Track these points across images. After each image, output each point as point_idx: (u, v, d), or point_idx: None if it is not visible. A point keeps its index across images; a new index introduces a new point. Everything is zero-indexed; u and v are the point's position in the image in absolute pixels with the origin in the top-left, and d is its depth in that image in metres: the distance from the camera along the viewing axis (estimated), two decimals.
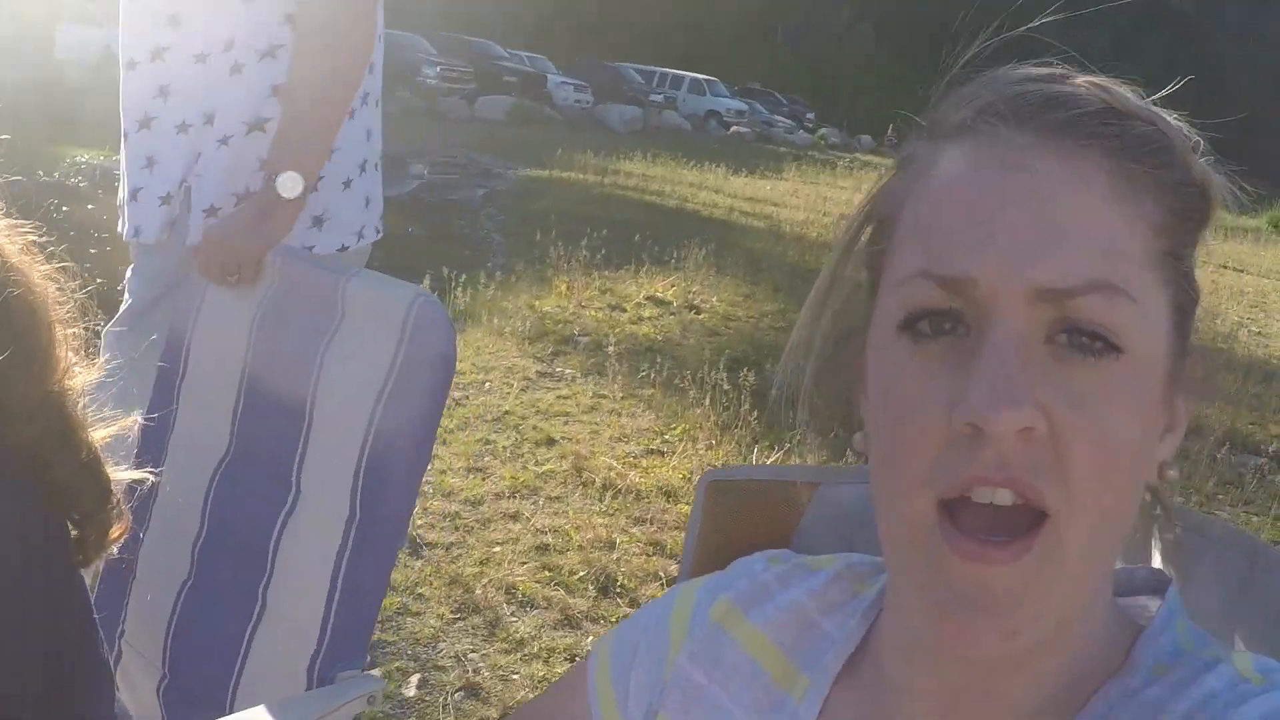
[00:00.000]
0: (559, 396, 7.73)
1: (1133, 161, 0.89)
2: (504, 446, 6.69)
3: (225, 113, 2.83)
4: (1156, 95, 0.96)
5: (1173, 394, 0.94)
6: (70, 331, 1.89)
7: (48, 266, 1.87)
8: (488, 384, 7.89)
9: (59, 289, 1.87)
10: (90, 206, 14.33)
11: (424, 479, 5.80)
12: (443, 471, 6.18)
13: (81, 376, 1.87)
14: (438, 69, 38.51)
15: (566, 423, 7.19)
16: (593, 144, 28.22)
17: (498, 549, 5.26)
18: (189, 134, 2.85)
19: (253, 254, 2.50)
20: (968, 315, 0.87)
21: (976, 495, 0.85)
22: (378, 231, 3.25)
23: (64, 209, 13.88)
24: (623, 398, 7.73)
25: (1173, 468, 0.99)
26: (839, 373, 1.06)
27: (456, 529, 5.48)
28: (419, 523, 5.48)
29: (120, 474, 1.90)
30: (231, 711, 2.22)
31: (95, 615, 1.91)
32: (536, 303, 10.35)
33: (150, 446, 2.55)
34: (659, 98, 48.87)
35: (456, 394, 7.62)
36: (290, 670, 2.17)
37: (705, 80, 51.69)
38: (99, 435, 1.89)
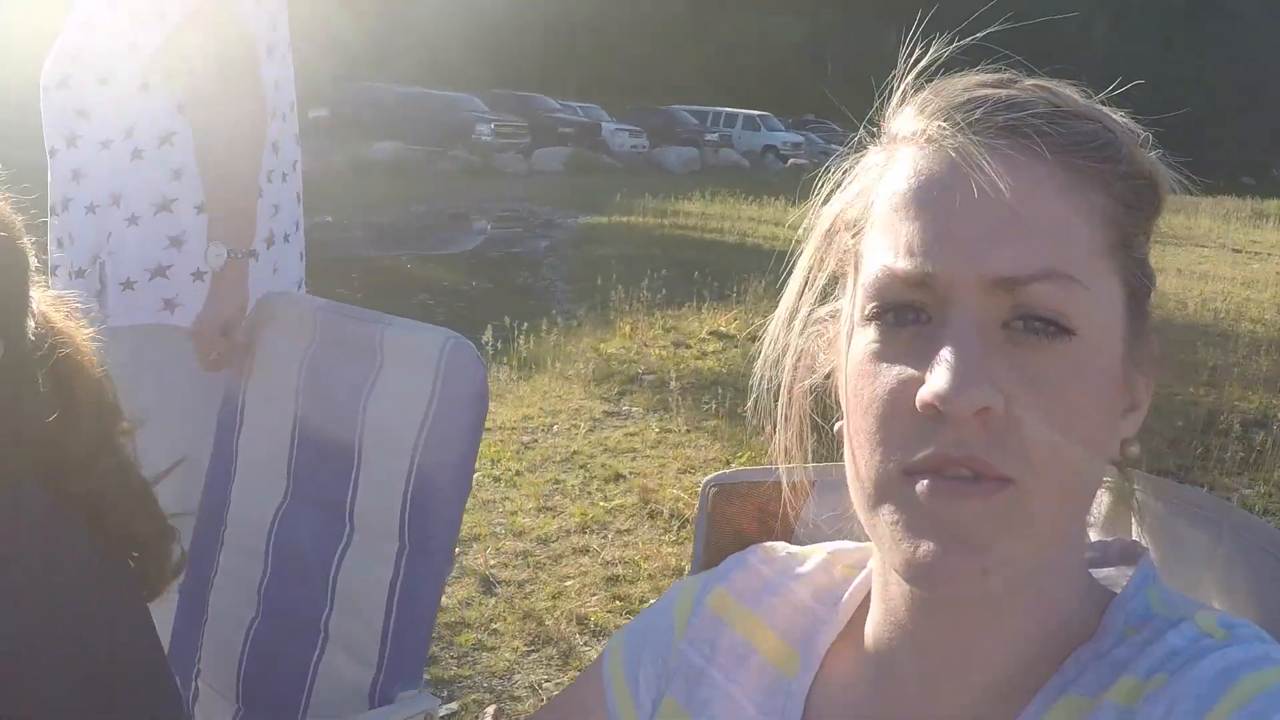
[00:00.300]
0: (626, 434, 7.84)
1: (1079, 157, 0.94)
2: (573, 485, 6.81)
3: (130, 195, 3.12)
4: (1103, 94, 1.01)
5: (1131, 374, 1.00)
6: (113, 386, 2.05)
7: (90, 330, 2.04)
8: (555, 426, 8.02)
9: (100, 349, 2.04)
10: None
11: (496, 520, 6.00)
12: (514, 512, 6.32)
13: (128, 424, 2.02)
14: (491, 125, 38.76)
15: (634, 458, 7.30)
16: (650, 187, 28.39)
17: (569, 582, 5.38)
18: (97, 214, 3.15)
19: (206, 331, 2.79)
20: (930, 307, 0.93)
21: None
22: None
23: None
24: (687, 430, 7.84)
25: (1135, 444, 1.07)
26: (815, 365, 1.14)
27: (529, 566, 5.60)
28: (492, 562, 5.62)
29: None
30: None
31: (165, 652, 2.05)
32: (601, 345, 10.50)
33: (214, 496, 2.72)
34: (714, 136, 48.80)
35: (525, 438, 7.77)
36: (354, 694, 2.32)
37: (759, 116, 51.58)
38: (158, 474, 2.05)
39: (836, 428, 1.08)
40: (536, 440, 7.71)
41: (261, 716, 2.55)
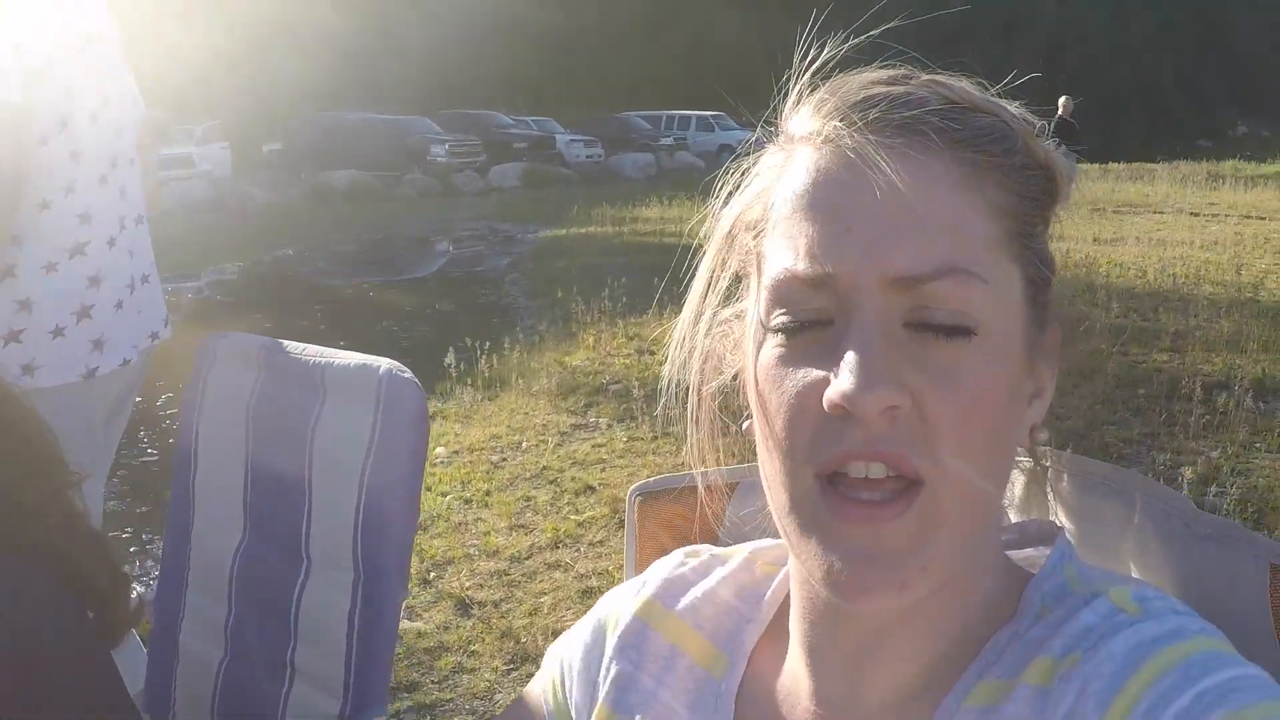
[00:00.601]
0: (594, 445, 7.88)
1: (974, 151, 0.95)
2: (544, 501, 6.85)
3: None
4: (998, 86, 1.04)
5: (1035, 362, 1.02)
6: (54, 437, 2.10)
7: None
8: (524, 443, 8.05)
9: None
10: None
11: (469, 542, 6.03)
12: (486, 533, 6.35)
13: (74, 475, 2.07)
14: (446, 146, 38.92)
15: (603, 469, 7.34)
16: (608, 196, 28.43)
17: (545, 598, 5.41)
18: None
19: None
20: (832, 308, 0.94)
21: (852, 470, 0.92)
22: (154, 339, 3.64)
23: None
24: (654, 438, 7.87)
25: (1043, 430, 1.09)
26: (722, 366, 1.15)
27: (504, 585, 5.64)
28: (468, 584, 5.65)
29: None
30: None
31: (129, 696, 2.09)
32: (565, 358, 10.52)
33: (176, 538, 2.75)
34: (669, 140, 48.82)
35: (494, 457, 7.80)
36: None
37: (712, 116, 51.53)
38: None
39: (745, 427, 1.09)
40: (506, 459, 7.75)
41: None
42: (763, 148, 1.09)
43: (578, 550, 5.98)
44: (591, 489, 6.92)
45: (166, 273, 15.23)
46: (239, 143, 38.96)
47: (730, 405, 1.16)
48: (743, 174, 1.10)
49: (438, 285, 18.91)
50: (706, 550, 1.30)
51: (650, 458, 7.45)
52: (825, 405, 0.90)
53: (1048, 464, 1.20)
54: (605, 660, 1.24)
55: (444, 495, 7.11)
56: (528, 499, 6.90)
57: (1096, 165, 33.56)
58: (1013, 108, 1.02)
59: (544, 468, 7.45)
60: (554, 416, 8.64)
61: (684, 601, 1.23)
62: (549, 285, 15.32)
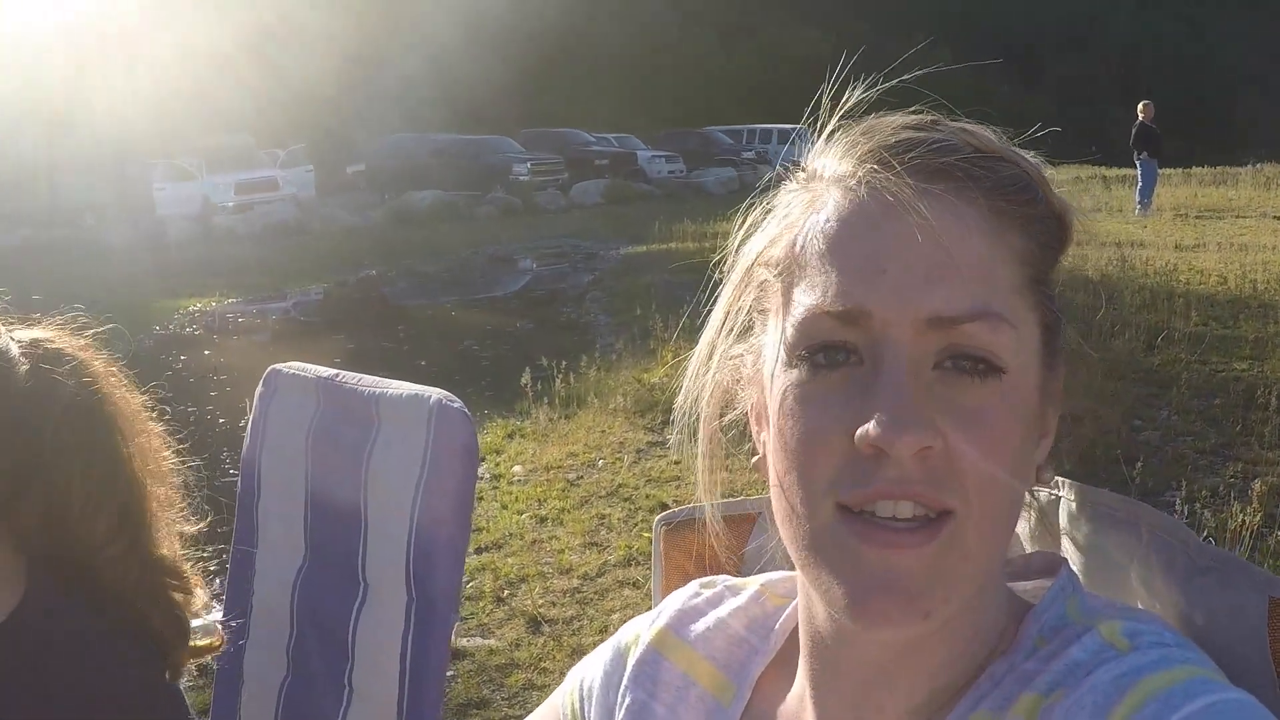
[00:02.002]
0: (671, 463, 7.90)
1: (1003, 199, 0.97)
2: (618, 519, 6.91)
3: None
4: (1019, 138, 1.05)
5: (1044, 405, 1.03)
6: (169, 494, 2.19)
7: (156, 431, 2.18)
8: (600, 461, 8.12)
9: (157, 451, 2.18)
10: (206, 352, 14.88)
11: (544, 560, 6.10)
12: (560, 550, 6.42)
13: (177, 534, 2.17)
14: (527, 164, 39.17)
15: (679, 487, 7.37)
16: (689, 212, 28.40)
17: (615, 616, 5.46)
18: None
19: None
20: (862, 347, 0.94)
21: (879, 509, 0.92)
22: None
23: (182, 357, 14.44)
24: (728, 455, 7.88)
25: (1047, 470, 1.10)
26: (734, 402, 1.17)
27: (576, 603, 5.70)
28: (540, 601, 5.72)
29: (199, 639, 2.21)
30: None
31: (191, 718, 2.18)
32: (643, 376, 10.55)
33: (241, 564, 2.84)
34: (750, 154, 48.71)
35: (570, 475, 7.87)
36: None
37: (794, 129, 51.34)
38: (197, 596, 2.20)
39: (754, 462, 1.12)
40: (581, 477, 7.82)
41: None
42: (781, 184, 1.10)
43: (649, 568, 6.00)
44: (665, 506, 6.91)
45: (253, 294, 15.37)
46: (323, 165, 39.37)
47: (739, 440, 1.19)
48: (764, 211, 1.11)
49: (519, 304, 19.05)
50: (721, 581, 1.33)
51: (722, 474, 7.47)
52: (859, 444, 0.91)
53: (1058, 494, 1.22)
54: (622, 687, 1.27)
55: (519, 514, 7.19)
56: (601, 517, 6.97)
57: (1179, 170, 33.16)
58: (1030, 157, 1.04)
59: (619, 485, 7.50)
60: (630, 434, 8.69)
61: (696, 631, 1.26)
62: (629, 303, 15.34)
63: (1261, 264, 15.14)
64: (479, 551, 6.63)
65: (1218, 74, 72.74)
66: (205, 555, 2.32)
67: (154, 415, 2.19)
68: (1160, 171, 26.15)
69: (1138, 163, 24.73)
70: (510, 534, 6.81)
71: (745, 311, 1.12)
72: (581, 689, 1.34)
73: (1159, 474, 7.14)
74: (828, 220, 1.00)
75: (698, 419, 1.20)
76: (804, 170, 1.07)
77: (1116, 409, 8.31)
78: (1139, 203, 24.68)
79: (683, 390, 1.20)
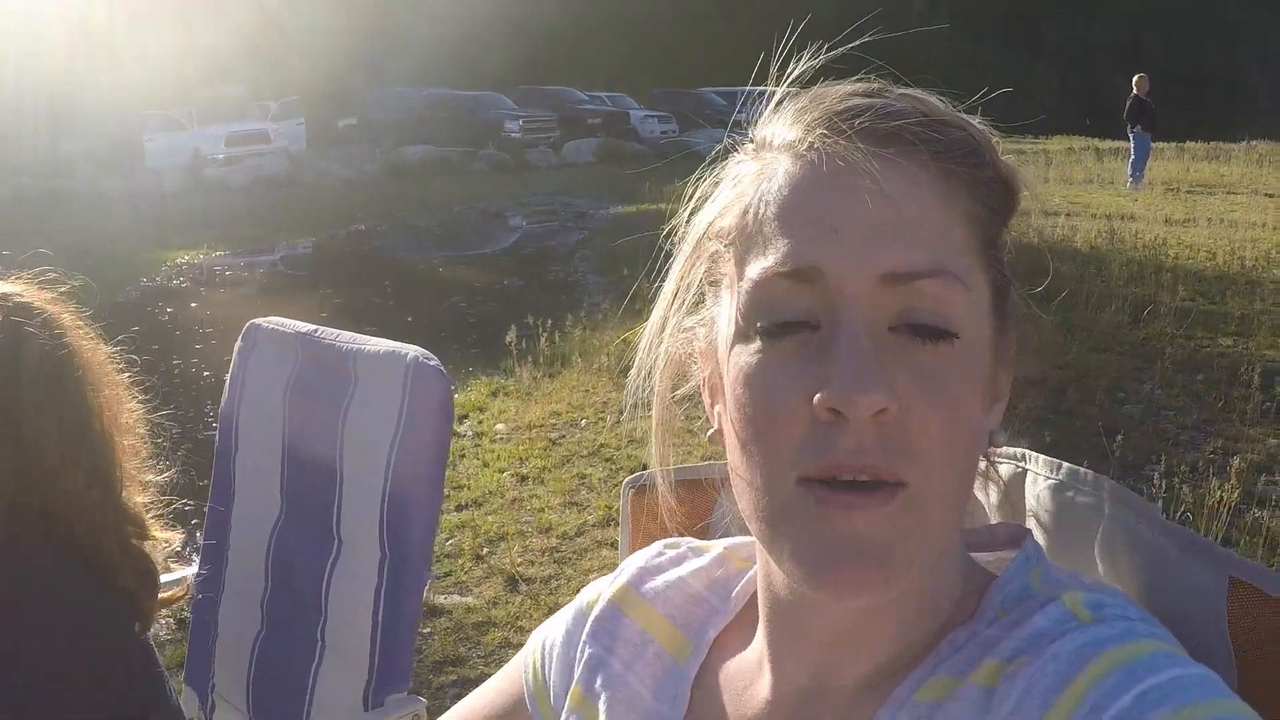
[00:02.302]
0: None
1: (952, 162, 0.96)
2: (599, 479, 6.92)
3: None
4: (966, 104, 1.05)
5: (996, 369, 1.03)
6: (135, 444, 2.20)
7: (115, 381, 2.19)
8: (583, 421, 8.13)
9: (122, 401, 2.19)
10: (194, 304, 14.86)
11: (524, 518, 6.12)
12: (540, 509, 6.43)
13: (143, 484, 2.19)
14: (520, 121, 39.04)
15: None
16: (681, 172, 28.00)
17: (592, 575, 5.42)
18: None
19: None
20: (817, 311, 0.93)
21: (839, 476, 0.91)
22: None
23: (169, 310, 14.43)
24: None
25: (1000, 435, 1.09)
26: (687, 373, 1.17)
27: (555, 562, 5.71)
28: (519, 560, 5.73)
29: (166, 578, 2.23)
30: None
31: (161, 671, 2.20)
32: (628, 336, 10.48)
33: (217, 519, 2.85)
34: (744, 116, 48.50)
35: (553, 434, 7.88)
36: (349, 700, 2.44)
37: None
38: (160, 536, 2.22)
39: (709, 435, 1.11)
40: (564, 436, 7.83)
41: None
42: (730, 154, 1.09)
43: None
44: (646, 467, 6.96)
45: (240, 247, 15.30)
46: (315, 118, 39.17)
47: (694, 414, 1.18)
48: (714, 182, 1.10)
49: (508, 261, 19.02)
50: (685, 543, 1.32)
51: (700, 436, 7.50)
52: (818, 408, 0.90)
53: (1024, 466, 1.22)
54: (581, 644, 1.27)
55: (501, 472, 7.20)
56: (582, 476, 6.98)
57: (1173, 144, 33.15)
58: (977, 123, 1.03)
59: (600, 445, 7.51)
60: (614, 394, 8.68)
61: (657, 590, 1.26)
62: (617, 262, 15.31)
63: (1251, 241, 15.16)
64: (459, 509, 6.65)
65: (1220, 47, 72.54)
66: (187, 508, 2.34)
67: (121, 367, 2.20)
68: (1153, 145, 26.15)
69: (1130, 136, 24.72)
70: (491, 492, 6.82)
71: (697, 284, 1.11)
72: (544, 649, 1.35)
73: (1139, 448, 7.14)
74: (779, 187, 0.99)
75: (651, 392, 1.19)
76: (753, 140, 1.07)
77: (1100, 381, 8.36)
78: (1130, 175, 24.68)
79: (635, 364, 1.19)
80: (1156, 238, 15.28)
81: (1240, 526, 5.89)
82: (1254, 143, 34.60)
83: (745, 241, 1.01)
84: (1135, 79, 24.54)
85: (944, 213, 0.95)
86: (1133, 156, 24.91)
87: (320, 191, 28.23)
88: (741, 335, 0.99)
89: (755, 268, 0.97)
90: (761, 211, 0.99)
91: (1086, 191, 23.39)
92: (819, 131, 0.97)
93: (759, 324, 0.96)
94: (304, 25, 41.99)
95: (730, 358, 1.00)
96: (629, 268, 13.27)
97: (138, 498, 2.19)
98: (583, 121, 42.59)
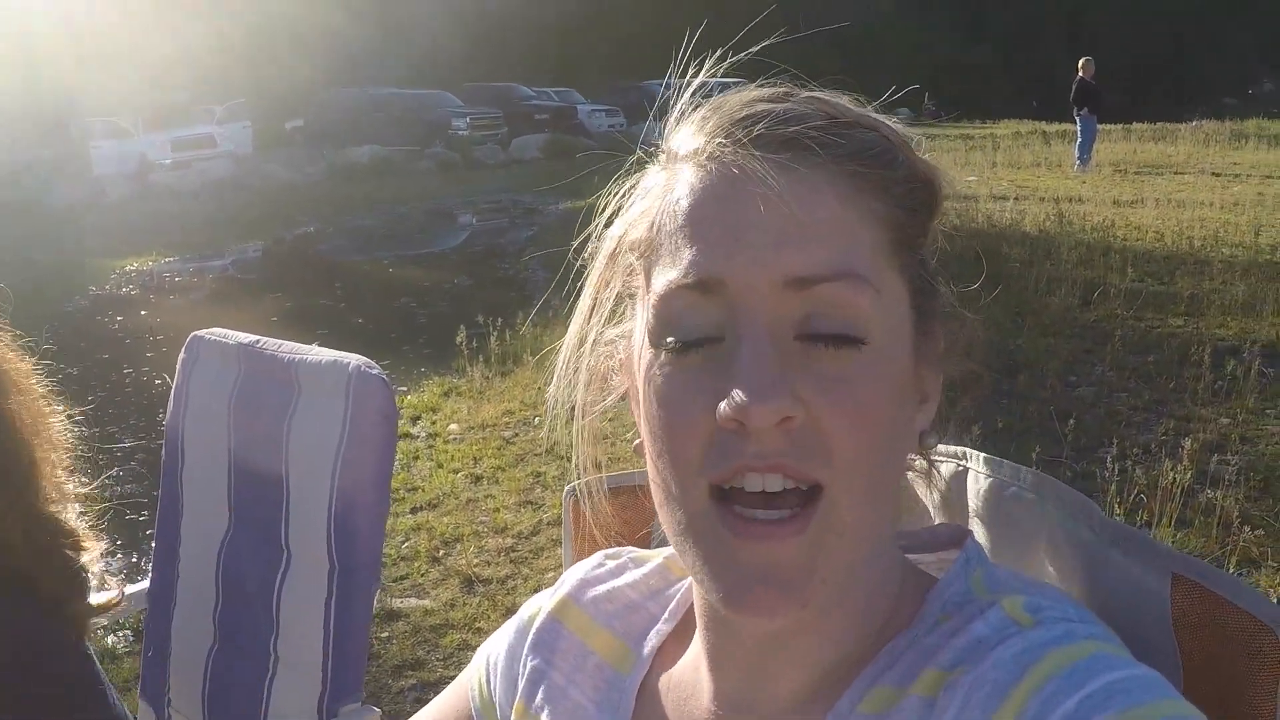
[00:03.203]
0: (607, 420, 7.90)
1: (857, 164, 0.95)
2: (553, 477, 6.91)
3: None
4: (877, 102, 1.04)
5: (920, 369, 1.02)
6: (56, 455, 2.18)
7: (41, 393, 2.17)
8: (536, 419, 8.11)
9: (47, 413, 2.18)
10: (143, 312, 14.74)
11: (479, 519, 6.10)
12: (496, 509, 6.42)
13: (66, 493, 2.17)
14: (467, 119, 38.90)
15: (613, 444, 7.35)
16: (631, 165, 28.41)
17: (549, 575, 5.47)
18: None
19: None
20: (722, 322, 0.93)
21: (748, 484, 0.92)
22: None
23: (118, 319, 14.32)
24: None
25: (931, 436, 1.09)
26: (608, 386, 1.18)
27: (511, 562, 5.71)
28: (475, 561, 5.72)
29: (97, 598, 2.22)
30: None
31: (103, 685, 2.19)
32: (554, 347, 10.51)
33: (167, 533, 2.83)
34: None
35: (506, 434, 7.87)
36: (304, 711, 2.43)
37: (733, 82, 51.43)
38: (90, 554, 2.21)
39: (636, 445, 1.10)
40: (517, 435, 7.82)
41: None
42: (645, 171, 1.09)
43: None
44: (600, 465, 6.96)
45: (191, 252, 15.23)
46: (261, 121, 39.01)
47: (618, 424, 1.21)
48: (626, 195, 1.10)
49: (457, 260, 18.98)
50: (626, 553, 1.33)
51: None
52: (719, 419, 0.90)
53: (965, 465, 1.22)
54: (523, 658, 1.27)
55: (455, 472, 7.18)
56: (537, 475, 6.97)
57: (1120, 126, 33.35)
58: (892, 122, 1.03)
59: (555, 444, 7.47)
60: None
61: (597, 601, 1.27)
62: (566, 258, 15.32)
63: (1199, 221, 15.27)
64: (414, 511, 6.63)
65: (1166, 27, 72.90)
66: (141, 518, 2.35)
67: (44, 380, 2.19)
68: (1100, 128, 26.34)
69: (1077, 119, 24.91)
70: (445, 493, 6.81)
71: (613, 297, 1.13)
72: (488, 665, 1.35)
73: (1092, 430, 7.19)
74: (680, 198, 0.99)
75: (573, 405, 1.20)
76: (664, 150, 1.06)
77: (1052, 364, 8.40)
78: (1078, 159, 24.85)
79: (554, 378, 1.20)
80: (1105, 220, 15.40)
81: (1194, 507, 5.93)
82: (1200, 123, 34.87)
83: (652, 254, 1.02)
84: (1081, 62, 24.77)
85: (849, 216, 0.95)
86: (1080, 139, 25.11)
87: (268, 195, 28.09)
88: (651, 349, 0.99)
89: (660, 281, 0.98)
90: (665, 224, 1.00)
91: (1034, 175, 23.54)
92: (717, 141, 0.98)
93: (666, 340, 0.96)
94: (248, 28, 41.72)
95: (642, 371, 1.01)
96: (581, 263, 13.27)
97: (64, 505, 2.18)
98: (530, 117, 42.58)
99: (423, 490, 6.95)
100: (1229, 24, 73.21)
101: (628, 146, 1.14)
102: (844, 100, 1.02)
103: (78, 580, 2.14)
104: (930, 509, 1.27)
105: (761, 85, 1.04)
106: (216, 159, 32.25)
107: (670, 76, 1.09)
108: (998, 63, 66.62)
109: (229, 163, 32.44)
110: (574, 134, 41.44)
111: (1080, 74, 24.59)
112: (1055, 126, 34.97)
